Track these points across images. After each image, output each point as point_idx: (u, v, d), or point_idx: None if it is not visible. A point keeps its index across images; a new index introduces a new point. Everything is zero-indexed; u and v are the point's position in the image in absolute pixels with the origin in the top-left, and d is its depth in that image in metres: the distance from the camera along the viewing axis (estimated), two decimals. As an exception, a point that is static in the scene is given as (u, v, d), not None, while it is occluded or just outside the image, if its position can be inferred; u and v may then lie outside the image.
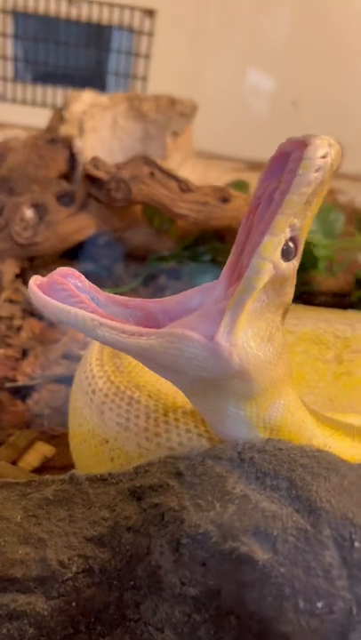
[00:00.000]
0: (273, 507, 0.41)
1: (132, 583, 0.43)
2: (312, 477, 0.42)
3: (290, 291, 0.47)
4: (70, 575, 0.43)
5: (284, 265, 0.45)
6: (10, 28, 1.76)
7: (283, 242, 0.44)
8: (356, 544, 0.39)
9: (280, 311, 0.47)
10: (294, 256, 0.45)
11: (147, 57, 1.80)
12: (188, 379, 0.48)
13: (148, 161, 0.92)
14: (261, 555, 0.39)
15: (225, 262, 0.87)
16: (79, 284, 0.48)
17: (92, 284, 0.49)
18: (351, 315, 0.81)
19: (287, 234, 0.44)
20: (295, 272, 0.47)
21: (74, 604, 0.43)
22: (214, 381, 0.47)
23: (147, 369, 0.66)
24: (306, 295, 1.17)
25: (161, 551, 0.42)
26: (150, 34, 1.77)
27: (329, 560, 0.39)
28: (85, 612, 0.44)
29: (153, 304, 0.49)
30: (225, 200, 0.93)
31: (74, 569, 0.43)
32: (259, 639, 0.39)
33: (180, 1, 1.75)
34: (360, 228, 1.25)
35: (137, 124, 1.38)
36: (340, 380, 0.74)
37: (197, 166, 1.35)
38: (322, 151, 0.42)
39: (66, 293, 0.46)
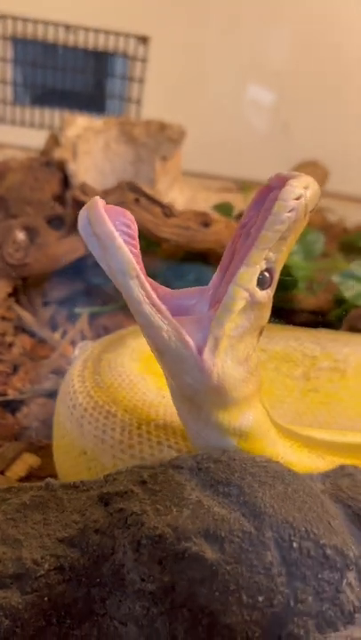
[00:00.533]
0: (223, 511, 0.46)
1: (98, 580, 0.48)
2: (259, 485, 0.47)
3: (266, 315, 0.53)
4: (43, 572, 0.48)
5: (259, 293, 0.49)
6: (9, 54, 1.83)
7: (258, 272, 0.49)
8: (295, 545, 0.44)
9: (256, 333, 0.53)
10: (269, 285, 0.50)
11: (141, 81, 1.87)
12: (172, 373, 0.53)
13: (133, 187, 0.98)
14: (210, 554, 0.44)
15: (207, 282, 0.95)
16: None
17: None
18: (322, 334, 0.86)
19: (263, 265, 0.49)
20: (271, 299, 0.52)
21: (46, 598, 0.48)
22: (193, 388, 0.52)
23: (124, 385, 0.71)
24: (287, 313, 1.22)
25: (124, 551, 0.47)
26: (144, 59, 1.84)
27: (270, 559, 0.44)
28: (56, 607, 0.48)
29: (161, 289, 0.52)
30: (206, 224, 0.99)
31: (46, 567, 0.48)
32: (207, 630, 0.44)
33: (172, 29, 1.82)
34: (342, 249, 1.30)
35: (128, 147, 1.44)
36: (307, 397, 0.79)
37: (185, 189, 1.41)
38: (296, 193, 0.47)
39: (125, 228, 0.46)
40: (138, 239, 0.48)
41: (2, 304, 1.04)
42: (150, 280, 0.51)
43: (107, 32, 1.80)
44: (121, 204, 0.98)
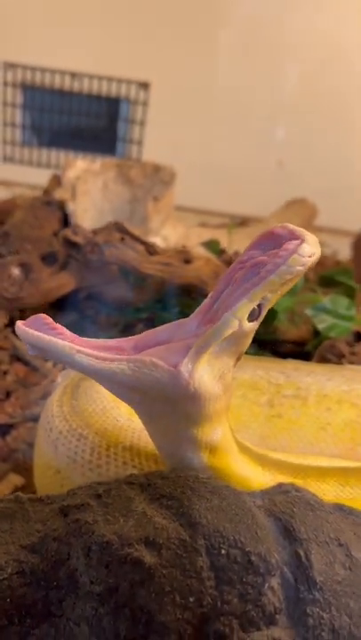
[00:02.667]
0: (163, 521, 0.52)
1: (55, 583, 0.54)
2: (197, 499, 0.53)
3: (247, 343, 0.59)
4: (6, 576, 0.54)
5: (248, 324, 0.56)
6: (19, 99, 1.96)
7: (251, 308, 0.55)
8: (223, 552, 0.49)
9: (235, 357, 0.59)
10: (257, 318, 0.56)
11: (142, 124, 1.98)
12: (150, 400, 0.58)
13: (119, 227, 1.06)
14: (149, 559, 0.50)
15: (190, 314, 1.03)
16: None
17: (71, 333, 0.56)
18: (288, 364, 0.92)
19: (259, 302, 0.55)
20: (253, 332, 0.58)
21: (8, 600, 0.54)
22: (171, 404, 0.58)
23: (98, 410, 0.78)
24: (271, 344, 1.28)
25: (77, 556, 0.53)
26: (145, 103, 1.96)
27: (201, 564, 0.49)
28: (18, 608, 0.54)
29: (126, 342, 0.58)
30: (187, 261, 1.06)
31: (9, 571, 0.54)
32: (145, 627, 0.49)
33: (171, 75, 1.93)
34: (321, 283, 1.37)
35: (125, 188, 1.54)
36: (271, 422, 0.84)
37: (178, 226, 1.49)
38: (311, 251, 0.54)
39: (47, 326, 0.54)
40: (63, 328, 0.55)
41: (-2, 334, 1.11)
42: (113, 341, 0.58)
43: (109, 78, 1.92)
44: (107, 242, 1.06)
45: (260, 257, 0.56)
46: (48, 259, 1.11)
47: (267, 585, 0.49)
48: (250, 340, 0.59)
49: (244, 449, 0.66)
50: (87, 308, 1.25)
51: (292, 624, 0.49)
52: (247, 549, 0.49)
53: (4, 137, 1.99)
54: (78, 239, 1.04)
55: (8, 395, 1.04)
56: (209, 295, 0.60)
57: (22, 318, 1.28)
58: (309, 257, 0.54)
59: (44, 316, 0.55)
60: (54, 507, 0.58)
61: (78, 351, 0.53)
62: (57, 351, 0.53)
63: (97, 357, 0.54)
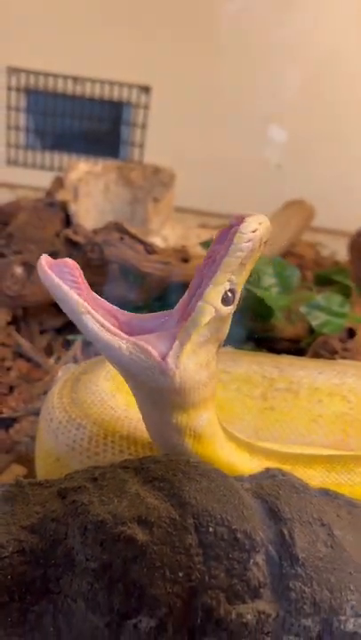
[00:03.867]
0: (155, 502, 0.55)
1: (53, 561, 0.57)
2: (187, 481, 0.56)
3: (225, 330, 0.62)
4: (7, 554, 0.57)
5: (223, 309, 0.59)
6: (23, 104, 2.00)
7: (223, 292, 0.58)
8: (211, 529, 0.52)
9: (217, 344, 0.62)
10: (232, 303, 0.60)
11: (143, 127, 2.02)
12: (139, 383, 0.62)
13: (119, 227, 1.10)
14: (141, 536, 0.53)
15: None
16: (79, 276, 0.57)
17: (85, 282, 0.58)
18: (283, 359, 0.95)
19: (227, 286, 0.58)
20: (230, 316, 0.62)
21: (9, 577, 0.57)
22: (158, 392, 0.61)
23: (96, 402, 0.81)
24: (268, 341, 1.31)
25: (73, 535, 0.56)
26: (146, 107, 1.99)
27: (190, 542, 0.52)
28: (18, 585, 0.57)
29: (122, 315, 0.62)
30: (185, 260, 1.09)
31: (10, 549, 0.57)
32: (138, 601, 0.52)
33: (171, 79, 1.97)
34: (317, 282, 1.39)
35: (126, 189, 1.57)
36: (263, 414, 0.87)
37: (177, 227, 1.52)
38: (252, 227, 0.57)
39: (69, 276, 0.55)
40: (84, 281, 0.57)
41: (2, 331, 1.15)
42: (112, 308, 0.61)
43: (111, 83, 1.96)
44: (107, 242, 1.09)
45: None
46: (52, 257, 1.15)
47: (252, 561, 0.52)
48: (228, 326, 0.62)
49: (231, 437, 0.69)
50: (88, 307, 1.28)
51: (275, 598, 0.52)
52: (233, 527, 0.52)
53: (9, 140, 2.03)
54: (79, 239, 1.08)
55: (11, 389, 1.08)
56: (187, 290, 0.63)
57: (25, 316, 1.31)
58: (253, 232, 0.56)
59: (70, 262, 0.56)
60: (53, 490, 0.61)
61: (88, 312, 0.55)
62: (69, 304, 0.55)
63: (102, 325, 0.56)
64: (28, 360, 1.17)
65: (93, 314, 0.56)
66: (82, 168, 1.57)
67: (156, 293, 1.20)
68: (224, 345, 1.14)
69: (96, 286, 1.27)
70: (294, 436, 0.85)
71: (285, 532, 0.54)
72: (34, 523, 0.58)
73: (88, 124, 2.01)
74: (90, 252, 1.08)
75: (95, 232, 1.10)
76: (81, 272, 0.58)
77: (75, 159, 1.97)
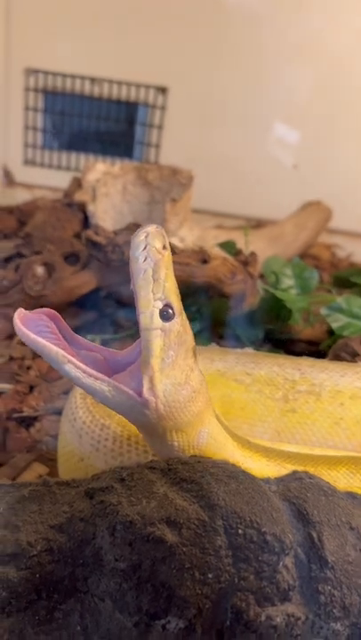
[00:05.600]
0: (184, 503, 0.55)
1: (81, 561, 0.57)
2: (215, 482, 0.56)
3: (187, 338, 0.62)
4: (35, 553, 0.57)
5: (168, 325, 0.59)
6: (40, 104, 2.01)
7: (157, 312, 0.58)
8: (240, 531, 0.53)
9: (190, 354, 0.62)
10: (175, 315, 0.59)
11: (160, 127, 2.02)
12: (131, 419, 0.64)
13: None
14: (170, 537, 0.53)
15: (208, 313, 1.09)
16: (57, 324, 0.60)
17: (67, 325, 0.61)
18: (302, 361, 0.95)
19: (158, 305, 0.58)
20: (184, 324, 0.61)
21: (37, 575, 0.57)
22: (150, 423, 0.62)
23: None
24: (286, 343, 1.31)
25: (102, 535, 0.56)
26: (163, 108, 1.99)
27: (219, 543, 0.52)
28: (46, 583, 0.57)
29: (108, 353, 0.64)
30: (204, 261, 1.09)
31: (39, 548, 0.57)
32: (167, 601, 0.52)
33: (188, 80, 1.97)
34: (335, 283, 1.39)
35: (144, 190, 1.58)
36: (285, 417, 0.87)
37: (195, 228, 1.52)
38: (140, 245, 0.57)
39: (45, 328, 0.58)
40: (64, 326, 0.60)
41: (22, 331, 1.15)
42: (94, 347, 0.63)
43: (128, 84, 1.96)
44: (128, 242, 1.10)
45: None
46: (70, 258, 1.15)
47: (281, 563, 0.52)
48: (189, 334, 0.61)
49: (244, 443, 0.69)
50: (106, 307, 1.29)
51: (305, 601, 0.52)
52: (263, 530, 0.52)
53: (26, 140, 2.04)
54: (100, 239, 1.08)
55: (31, 389, 1.08)
56: None
57: (44, 316, 1.31)
58: (143, 249, 0.57)
59: (46, 313, 0.58)
60: (80, 489, 0.62)
61: (69, 361, 0.57)
62: (49, 357, 0.57)
63: (84, 371, 0.58)
64: (48, 360, 1.17)
65: (74, 362, 0.57)
66: (100, 169, 1.57)
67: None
68: (244, 346, 1.14)
69: (114, 287, 1.27)
70: (316, 439, 0.85)
71: (314, 535, 0.54)
72: (62, 522, 0.59)
73: (105, 124, 2.02)
74: (110, 253, 1.08)
75: (116, 233, 1.11)
76: (58, 318, 0.60)
77: (92, 160, 1.98)
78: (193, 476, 0.57)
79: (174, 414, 0.61)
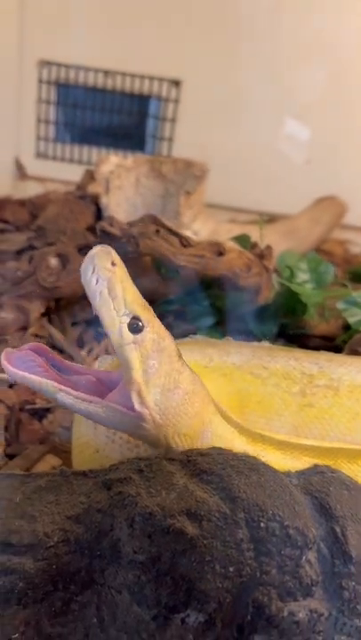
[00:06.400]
0: (204, 495, 0.54)
1: (98, 553, 0.56)
2: (236, 474, 0.55)
3: (166, 343, 0.62)
4: (52, 543, 0.56)
5: (140, 336, 0.59)
6: (53, 97, 2.00)
7: (124, 327, 0.58)
8: (262, 525, 0.51)
9: (174, 358, 0.62)
10: (144, 325, 0.59)
11: (173, 121, 2.01)
12: (134, 435, 0.65)
13: (154, 220, 1.09)
14: (191, 530, 0.52)
15: (222, 306, 1.07)
16: (46, 355, 0.63)
17: (56, 355, 0.64)
18: (320, 355, 0.93)
19: (123, 320, 0.58)
20: (158, 331, 0.61)
21: (54, 566, 0.56)
22: (151, 434, 0.62)
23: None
24: (300, 338, 1.30)
25: (120, 527, 0.55)
26: (176, 101, 1.98)
27: (241, 536, 0.51)
28: (63, 574, 0.57)
29: (100, 373, 0.65)
30: (220, 254, 1.08)
31: (55, 539, 0.57)
32: (186, 595, 0.51)
33: (203, 74, 1.95)
34: (352, 278, 1.37)
35: (157, 183, 1.56)
36: (303, 411, 0.86)
37: (208, 221, 1.51)
38: (88, 269, 0.58)
39: (32, 363, 0.60)
40: (52, 355, 0.62)
41: (35, 322, 1.15)
42: (85, 370, 0.65)
43: (142, 76, 1.95)
44: (142, 234, 1.08)
45: None
46: (84, 250, 1.14)
47: (304, 558, 0.51)
48: (167, 338, 0.62)
49: (256, 437, 0.67)
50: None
51: (327, 596, 0.51)
52: (286, 523, 0.51)
53: (38, 133, 2.04)
54: (115, 231, 1.07)
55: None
56: None
57: (57, 308, 1.31)
58: (92, 272, 0.58)
59: (31, 351, 0.61)
60: (97, 480, 0.61)
61: (60, 390, 0.59)
62: (41, 390, 0.60)
63: (76, 397, 0.60)
64: (61, 352, 1.16)
65: (65, 390, 0.59)
66: (113, 161, 1.56)
67: (189, 287, 1.19)
68: (260, 340, 1.13)
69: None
70: (334, 434, 0.84)
71: (338, 529, 0.53)
72: (79, 513, 0.58)
73: (117, 117, 2.01)
74: (125, 245, 1.07)
75: (131, 224, 1.10)
76: (45, 349, 0.62)
77: (104, 152, 1.97)
78: (213, 467, 0.56)
79: (171, 420, 0.61)
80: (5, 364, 0.58)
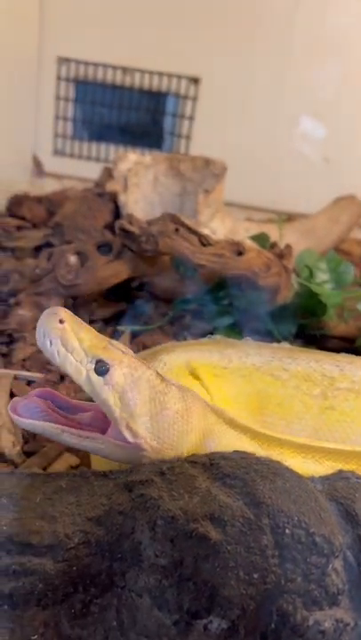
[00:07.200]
0: (228, 500, 0.53)
1: (119, 555, 0.56)
2: (261, 479, 0.54)
3: (140, 370, 0.63)
4: (73, 545, 0.56)
5: (108, 377, 0.62)
6: (72, 94, 2.00)
7: (92, 373, 0.62)
8: (288, 531, 0.50)
9: (154, 383, 0.63)
10: (110, 364, 0.62)
11: (191, 119, 1.99)
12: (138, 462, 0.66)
13: (174, 219, 1.08)
14: (214, 535, 0.51)
15: (240, 306, 1.05)
16: (51, 398, 0.67)
17: (61, 396, 0.68)
18: (341, 357, 0.92)
19: (89, 367, 0.62)
20: (129, 363, 0.63)
21: (74, 568, 0.56)
22: (154, 458, 0.63)
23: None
24: (318, 339, 1.28)
25: (142, 530, 0.55)
26: (195, 98, 1.97)
27: (265, 542, 0.50)
28: (83, 576, 0.56)
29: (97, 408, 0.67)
30: (239, 253, 1.07)
31: (76, 540, 0.56)
32: (209, 601, 0.51)
33: (221, 71, 1.94)
34: (372, 279, 1.35)
35: (175, 181, 1.55)
36: (324, 414, 0.85)
37: (226, 220, 1.50)
38: (39, 336, 0.62)
39: (36, 409, 0.64)
40: (58, 397, 0.67)
41: (53, 320, 1.14)
42: (89, 405, 0.68)
43: (160, 74, 1.94)
44: (162, 232, 1.08)
45: None
46: (103, 248, 1.14)
47: (330, 566, 0.50)
48: (139, 367, 0.64)
49: (272, 441, 0.66)
50: (137, 297, 1.28)
51: (354, 606, 0.50)
52: (311, 530, 0.50)
53: (56, 130, 2.03)
54: (134, 229, 1.07)
55: (62, 378, 1.07)
56: None
57: (75, 306, 1.31)
58: (43, 337, 0.62)
59: (36, 397, 0.65)
60: (118, 482, 0.60)
61: (63, 431, 0.64)
62: (48, 434, 0.65)
63: (79, 436, 0.64)
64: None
65: (68, 430, 0.63)
66: (131, 159, 1.55)
67: (208, 286, 1.18)
68: (279, 340, 1.12)
69: (146, 277, 1.25)
70: (356, 438, 0.82)
71: (364, 537, 0.51)
72: (100, 514, 0.57)
73: (135, 115, 2.00)
74: (144, 244, 1.06)
75: (150, 223, 1.09)
76: (50, 392, 0.66)
77: (122, 150, 1.96)
78: (236, 471, 0.56)
79: (168, 442, 0.62)
80: (12, 415, 0.63)
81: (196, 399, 0.65)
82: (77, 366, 0.62)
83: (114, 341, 0.66)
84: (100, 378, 0.62)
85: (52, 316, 0.62)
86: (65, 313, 0.63)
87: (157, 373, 0.64)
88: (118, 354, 0.63)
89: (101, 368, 0.62)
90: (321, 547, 0.50)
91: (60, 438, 0.64)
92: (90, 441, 0.63)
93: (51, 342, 0.62)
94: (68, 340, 0.62)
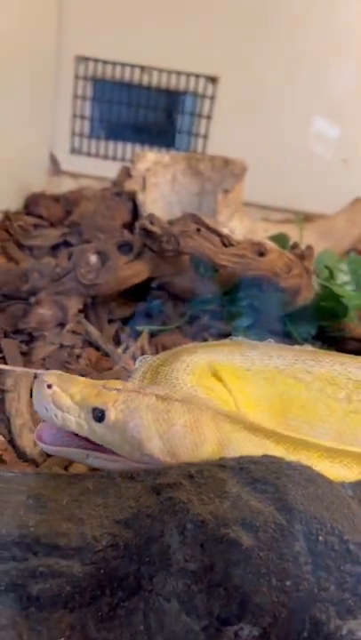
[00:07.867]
0: (259, 505, 0.52)
1: (147, 559, 0.55)
2: (292, 485, 0.53)
3: (136, 400, 0.64)
4: (101, 547, 0.55)
5: (106, 421, 0.63)
6: (89, 92, 1.99)
7: (91, 422, 0.63)
8: (321, 538, 0.50)
9: (155, 404, 0.64)
10: (104, 409, 0.63)
11: (208, 118, 1.99)
12: None
13: (195, 219, 1.07)
14: (246, 540, 0.50)
15: (260, 307, 1.04)
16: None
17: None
18: (367, 360, 0.91)
19: (87, 419, 0.64)
20: (124, 399, 0.64)
21: (102, 571, 0.55)
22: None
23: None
24: (338, 341, 1.27)
25: (171, 534, 0.54)
26: (212, 97, 1.96)
27: (298, 549, 0.49)
28: (110, 579, 0.56)
29: None
30: (261, 254, 1.06)
31: (104, 543, 0.56)
32: (240, 608, 0.50)
33: (240, 70, 1.93)
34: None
35: (194, 180, 1.55)
36: (348, 418, 0.84)
37: (245, 220, 1.49)
38: (36, 405, 0.65)
39: (61, 436, 0.67)
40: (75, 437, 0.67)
41: (73, 319, 1.14)
42: None
43: (178, 73, 1.93)
44: (183, 232, 1.07)
45: None
46: (123, 247, 1.14)
47: (365, 574, 0.49)
48: (134, 398, 0.64)
49: (299, 445, 0.65)
50: (157, 297, 1.27)
51: (388, 615, 0.49)
52: (345, 538, 0.49)
53: (73, 129, 2.03)
54: (155, 229, 1.06)
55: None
56: None
57: (94, 306, 1.30)
58: (35, 405, 0.66)
59: (56, 423, 0.66)
60: (146, 484, 0.59)
61: (88, 455, 0.66)
62: (73, 458, 0.68)
63: (105, 459, 0.66)
64: (97, 349, 1.16)
65: (93, 454, 0.66)
66: (150, 158, 1.55)
67: (228, 287, 1.17)
68: (300, 342, 1.11)
69: (166, 277, 1.25)
70: (381, 443, 0.81)
71: None
72: (128, 517, 0.57)
73: (153, 114, 2.00)
74: (165, 244, 1.06)
75: (171, 223, 1.08)
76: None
77: (139, 149, 1.96)
78: (268, 476, 0.55)
79: (183, 457, 0.63)
80: (38, 442, 0.66)
81: (203, 409, 0.65)
82: (77, 422, 0.64)
83: (110, 381, 0.67)
84: (100, 424, 0.64)
85: (41, 384, 0.65)
86: (51, 376, 0.66)
87: (157, 396, 0.65)
88: (112, 395, 0.64)
89: (98, 414, 0.64)
90: (355, 554, 0.49)
91: (85, 462, 0.66)
92: (113, 463, 0.65)
93: (47, 409, 0.64)
94: (60, 401, 0.65)
